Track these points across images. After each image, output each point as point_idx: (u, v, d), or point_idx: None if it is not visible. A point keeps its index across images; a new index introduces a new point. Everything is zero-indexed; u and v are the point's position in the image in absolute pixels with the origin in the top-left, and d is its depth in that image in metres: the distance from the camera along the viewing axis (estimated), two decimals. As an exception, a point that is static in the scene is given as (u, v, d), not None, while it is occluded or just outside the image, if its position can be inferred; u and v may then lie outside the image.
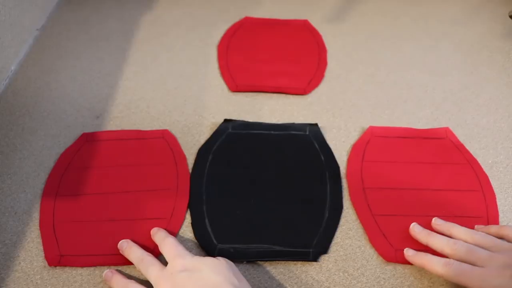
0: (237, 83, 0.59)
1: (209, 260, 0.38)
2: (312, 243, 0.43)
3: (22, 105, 0.57)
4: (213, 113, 0.56)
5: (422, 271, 0.42)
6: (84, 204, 0.46)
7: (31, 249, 0.43)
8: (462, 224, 0.43)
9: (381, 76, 0.61)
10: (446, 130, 0.54)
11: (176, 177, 0.48)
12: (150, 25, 0.70)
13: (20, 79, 0.60)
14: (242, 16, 0.71)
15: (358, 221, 0.46)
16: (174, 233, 0.44)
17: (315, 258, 0.42)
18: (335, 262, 0.42)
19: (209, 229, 0.44)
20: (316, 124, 0.54)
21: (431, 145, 0.52)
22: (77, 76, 0.61)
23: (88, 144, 0.52)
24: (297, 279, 0.41)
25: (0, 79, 0.58)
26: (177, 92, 0.59)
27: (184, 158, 0.50)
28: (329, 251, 0.43)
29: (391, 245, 0.43)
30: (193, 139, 0.53)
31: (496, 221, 0.46)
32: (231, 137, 0.52)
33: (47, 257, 0.42)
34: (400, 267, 0.42)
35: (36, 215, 0.45)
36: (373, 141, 0.52)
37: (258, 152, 0.50)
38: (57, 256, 0.42)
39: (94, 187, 0.47)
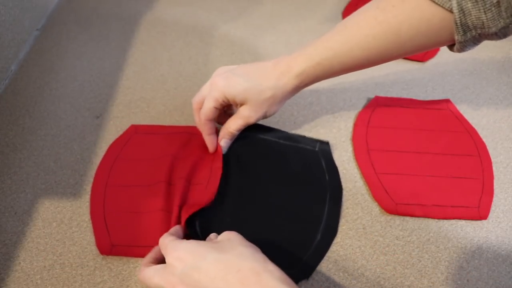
0: None
1: (205, 243, 0.35)
2: (298, 264, 0.41)
3: (22, 105, 0.57)
4: (213, 113, 0.56)
5: (423, 271, 0.42)
6: (133, 194, 0.47)
7: (31, 249, 0.43)
8: (458, 185, 0.47)
9: (380, 77, 0.61)
10: (447, 102, 0.57)
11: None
12: (150, 25, 0.70)
13: (20, 79, 0.60)
14: (243, 15, 0.71)
15: (359, 220, 0.46)
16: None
17: (295, 281, 0.37)
18: (335, 262, 0.42)
19: (200, 235, 0.43)
20: (327, 142, 0.52)
21: (432, 114, 0.55)
22: (77, 76, 0.61)
23: (136, 136, 0.52)
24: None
25: (0, 79, 0.59)
26: (177, 92, 0.59)
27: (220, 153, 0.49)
28: (311, 277, 0.41)
29: (393, 200, 0.46)
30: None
31: (491, 183, 0.48)
32: (237, 139, 0.49)
33: (99, 246, 0.43)
34: (399, 267, 0.42)
35: (36, 215, 0.45)
36: (378, 109, 0.56)
37: (261, 160, 0.49)
38: (109, 246, 0.43)
39: (142, 179, 0.48)
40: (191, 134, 0.52)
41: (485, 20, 0.37)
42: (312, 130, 0.54)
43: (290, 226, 0.44)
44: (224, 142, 0.48)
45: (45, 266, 0.42)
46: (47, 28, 0.69)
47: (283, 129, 0.54)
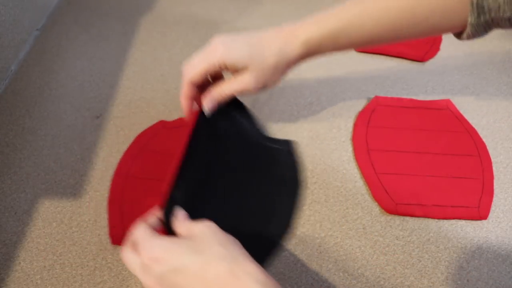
0: None
1: (181, 241, 0.33)
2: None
3: (22, 105, 0.57)
4: (213, 113, 0.56)
5: (423, 271, 0.42)
6: (152, 188, 0.47)
7: (31, 249, 0.43)
8: (458, 185, 0.48)
9: (380, 77, 0.61)
10: (447, 102, 0.57)
11: None
12: (150, 25, 0.70)
13: (20, 79, 0.60)
14: (243, 15, 0.71)
15: (359, 220, 0.46)
16: None
17: None
18: (335, 262, 0.42)
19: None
20: (293, 141, 0.49)
21: (432, 114, 0.56)
22: (77, 76, 0.61)
23: (164, 131, 0.53)
24: (297, 279, 0.41)
25: (0, 79, 0.59)
26: (177, 92, 0.59)
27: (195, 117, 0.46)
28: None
29: (393, 200, 0.47)
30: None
31: (491, 183, 0.49)
32: (219, 116, 0.45)
33: (111, 235, 0.43)
34: (399, 267, 0.42)
35: (36, 215, 0.45)
36: (378, 109, 0.56)
37: (235, 145, 0.46)
38: (121, 236, 0.42)
39: (164, 173, 0.46)
40: None
41: (501, 3, 0.37)
42: (312, 130, 0.54)
43: (249, 218, 0.42)
44: (210, 103, 0.43)
45: (45, 266, 0.42)
46: (47, 28, 0.69)
47: (283, 129, 0.54)
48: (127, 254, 0.34)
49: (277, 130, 0.54)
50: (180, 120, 0.54)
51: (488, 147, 0.52)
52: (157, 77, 0.61)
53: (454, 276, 0.42)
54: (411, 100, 0.57)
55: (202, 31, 0.69)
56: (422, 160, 0.50)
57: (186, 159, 0.42)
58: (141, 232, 0.34)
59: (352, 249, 0.44)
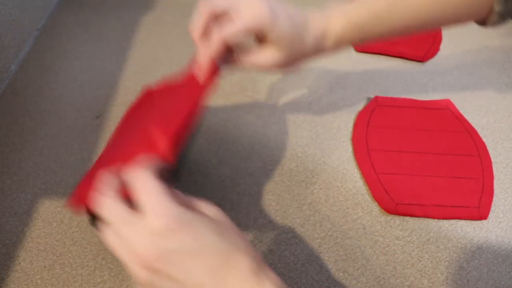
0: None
1: (200, 216, 0.27)
2: None
3: (22, 105, 0.57)
4: (213, 113, 0.56)
5: (423, 271, 0.42)
6: None
7: (31, 249, 0.43)
8: (458, 185, 0.48)
9: (380, 77, 0.61)
10: (447, 102, 0.57)
11: None
12: (150, 25, 0.70)
13: (20, 79, 0.60)
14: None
15: (359, 220, 0.46)
16: None
17: None
18: (335, 262, 0.42)
19: None
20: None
21: (433, 114, 0.56)
22: (77, 76, 0.61)
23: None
24: (297, 279, 0.41)
25: (0, 79, 0.59)
26: (177, 92, 0.59)
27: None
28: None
29: (393, 200, 0.47)
30: (193, 139, 0.53)
31: (491, 183, 0.49)
32: None
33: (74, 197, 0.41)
34: (399, 267, 0.42)
35: (36, 215, 0.45)
36: (378, 109, 0.56)
37: None
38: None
39: None
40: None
41: None
42: (312, 130, 0.54)
43: None
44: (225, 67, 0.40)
45: (45, 266, 0.42)
46: (47, 28, 0.69)
47: (283, 129, 0.54)
48: (116, 205, 0.26)
49: (277, 130, 0.54)
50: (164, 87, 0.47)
51: (488, 147, 0.52)
52: (157, 77, 0.61)
53: (454, 276, 0.42)
54: (411, 100, 0.57)
55: (202, 31, 0.68)
56: (422, 160, 0.50)
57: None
58: (149, 185, 0.26)
59: (352, 249, 0.44)
